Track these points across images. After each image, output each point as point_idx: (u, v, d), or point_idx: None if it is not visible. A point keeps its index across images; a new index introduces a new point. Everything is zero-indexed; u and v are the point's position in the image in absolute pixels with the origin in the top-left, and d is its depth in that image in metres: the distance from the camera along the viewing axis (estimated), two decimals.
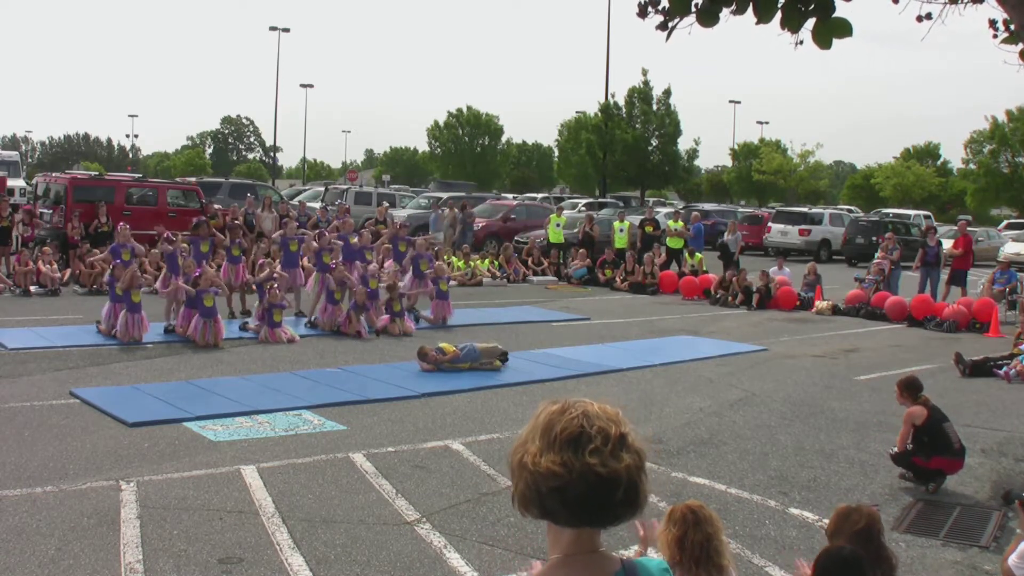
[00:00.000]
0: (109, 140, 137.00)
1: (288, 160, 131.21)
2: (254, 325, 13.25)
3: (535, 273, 23.89)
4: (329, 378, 10.59)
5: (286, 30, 63.53)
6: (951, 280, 20.37)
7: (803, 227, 35.02)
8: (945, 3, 7.39)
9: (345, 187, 37.06)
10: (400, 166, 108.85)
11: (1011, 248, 34.42)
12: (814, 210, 40.34)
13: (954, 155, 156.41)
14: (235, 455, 7.46)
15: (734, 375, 11.93)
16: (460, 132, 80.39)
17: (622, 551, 4.13)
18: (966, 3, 7.44)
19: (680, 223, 24.73)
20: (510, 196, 44.28)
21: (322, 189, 39.64)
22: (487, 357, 11.42)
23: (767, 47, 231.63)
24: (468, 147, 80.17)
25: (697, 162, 62.14)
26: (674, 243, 24.32)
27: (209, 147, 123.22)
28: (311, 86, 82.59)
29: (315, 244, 15.19)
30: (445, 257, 21.49)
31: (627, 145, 52.98)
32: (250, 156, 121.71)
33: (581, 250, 24.07)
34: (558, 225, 25.44)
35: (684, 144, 57.05)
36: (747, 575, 5.51)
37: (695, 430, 8.99)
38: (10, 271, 17.36)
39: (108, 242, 16.64)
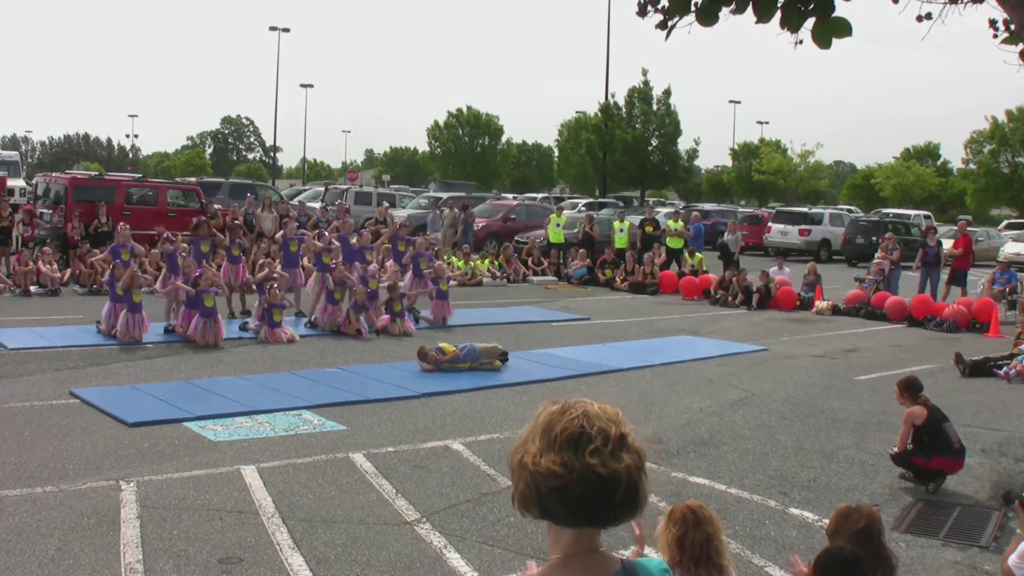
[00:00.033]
0: (109, 140, 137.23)
1: (288, 160, 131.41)
2: (254, 325, 13.25)
3: (535, 273, 23.88)
4: (329, 378, 10.59)
5: (286, 30, 63.62)
6: (951, 280, 20.37)
7: (803, 227, 35.03)
8: (945, 3, 7.39)
9: (345, 187, 37.05)
10: (400, 166, 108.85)
11: (1011, 248, 34.42)
12: (814, 210, 40.34)
13: (954, 155, 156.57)
14: (235, 455, 7.46)
15: (734, 375, 11.93)
16: (460, 132, 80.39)
17: (622, 551, 4.12)
18: (966, 3, 7.44)
19: (680, 223, 24.73)
20: (510, 196, 44.28)
21: (322, 189, 39.64)
22: (487, 357, 11.42)
23: (767, 47, 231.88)
24: (468, 147, 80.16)
25: (697, 162, 62.22)
26: (674, 243, 24.32)
27: (209, 147, 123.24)
28: (311, 86, 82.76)
29: (318, 244, 15.19)
30: (445, 257, 21.49)
31: (627, 145, 53.00)
32: (250, 156, 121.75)
33: (581, 250, 24.07)
34: (558, 225, 25.44)
35: (684, 144, 57.21)
36: (747, 575, 5.51)
37: (695, 430, 8.99)
38: (10, 271, 17.36)
39: (108, 242, 16.65)
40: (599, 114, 55.25)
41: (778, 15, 5.30)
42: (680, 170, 57.02)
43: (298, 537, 5.77)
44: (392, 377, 10.72)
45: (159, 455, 7.40)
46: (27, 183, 34.62)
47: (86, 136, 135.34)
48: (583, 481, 1.76)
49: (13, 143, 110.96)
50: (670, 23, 5.68)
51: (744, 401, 10.43)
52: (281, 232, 16.24)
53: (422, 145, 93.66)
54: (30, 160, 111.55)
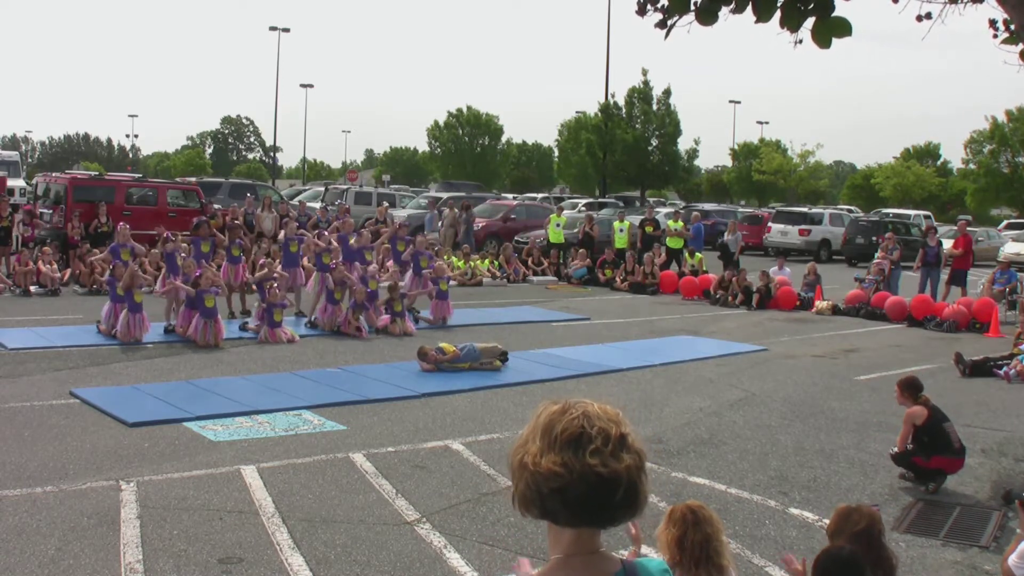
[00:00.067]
0: (109, 140, 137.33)
1: (288, 160, 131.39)
2: (254, 325, 13.25)
3: (535, 273, 23.88)
4: (329, 378, 10.59)
5: (286, 30, 63.61)
6: (951, 280, 20.37)
7: (803, 227, 35.03)
8: (945, 3, 7.40)
9: (345, 187, 37.04)
10: (400, 166, 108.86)
11: (1011, 248, 34.42)
12: (814, 210, 40.33)
13: (954, 155, 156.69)
14: (235, 455, 7.46)
15: (734, 375, 11.93)
16: (460, 132, 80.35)
17: (622, 551, 4.13)
18: (966, 3, 7.44)
19: (680, 223, 24.74)
20: (510, 196, 44.27)
21: (322, 189, 39.64)
22: (487, 357, 11.42)
23: (767, 47, 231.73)
24: (468, 147, 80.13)
25: (697, 162, 62.24)
26: (674, 243, 24.32)
27: (209, 147, 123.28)
28: (311, 86, 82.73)
29: (319, 244, 15.19)
30: (445, 257, 21.49)
31: (627, 145, 53.00)
32: (250, 156, 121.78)
33: (581, 250, 24.08)
34: (558, 225, 25.44)
35: (684, 144, 57.22)
36: (747, 575, 5.51)
37: (695, 430, 8.99)
38: (10, 271, 17.36)
39: (108, 242, 16.65)
40: (599, 114, 55.25)
41: (778, 14, 5.30)
42: (680, 170, 57.03)
43: (298, 537, 5.77)
44: (392, 377, 10.72)
45: (159, 455, 7.40)
46: (27, 183, 34.61)
47: (86, 136, 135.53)
48: (583, 481, 1.76)
49: (13, 143, 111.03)
50: (670, 22, 5.68)
51: (744, 401, 10.43)
52: (282, 232, 16.24)
53: (422, 145, 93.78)
54: (30, 160, 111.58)
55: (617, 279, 22.56)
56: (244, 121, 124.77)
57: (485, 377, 10.97)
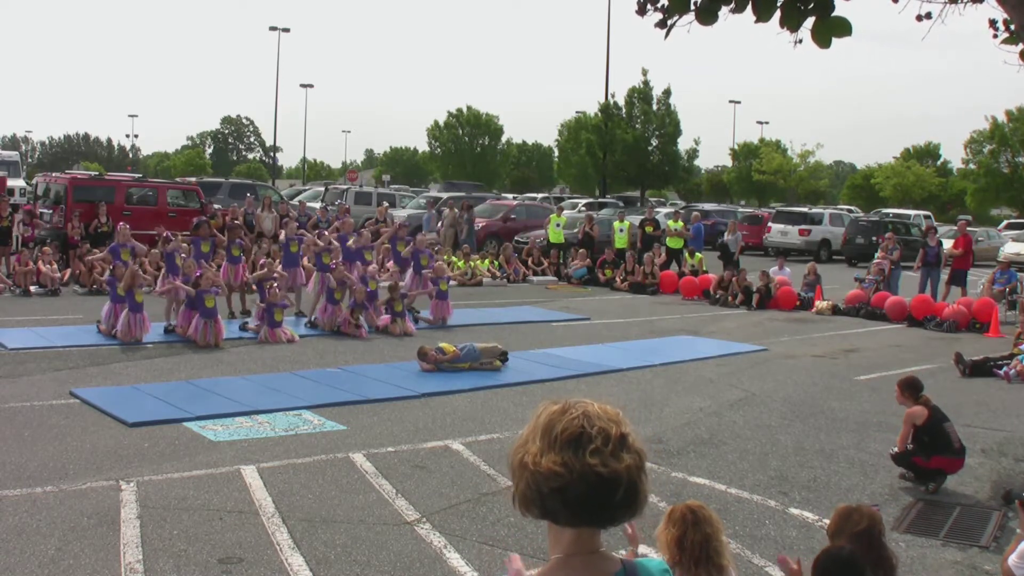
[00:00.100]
0: (109, 140, 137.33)
1: (288, 160, 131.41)
2: (254, 325, 13.25)
3: (535, 273, 23.89)
4: (329, 378, 10.59)
5: (286, 30, 63.61)
6: (951, 280, 20.37)
7: (803, 227, 35.03)
8: (945, 3, 7.40)
9: (345, 187, 37.06)
10: (400, 166, 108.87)
11: (1011, 248, 34.42)
12: (814, 210, 40.34)
13: (954, 155, 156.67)
14: (235, 455, 7.46)
15: (734, 375, 11.93)
16: (460, 132, 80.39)
17: (621, 551, 4.13)
18: (966, 3, 7.44)
19: (680, 223, 24.74)
20: (510, 196, 44.28)
21: (322, 189, 39.64)
22: (487, 357, 11.42)
23: (767, 47, 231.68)
24: (468, 147, 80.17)
25: (697, 162, 62.22)
26: (674, 243, 24.33)
27: (209, 147, 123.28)
28: (311, 86, 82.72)
29: (319, 243, 15.19)
30: (445, 257, 21.49)
31: (627, 145, 53.00)
32: (250, 156, 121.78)
33: (581, 250, 24.08)
34: (558, 225, 25.44)
35: (684, 144, 57.20)
36: (747, 575, 5.51)
37: (695, 430, 8.99)
38: (10, 271, 17.36)
39: (108, 242, 16.65)
40: (599, 114, 55.24)
41: (778, 14, 5.30)
42: (680, 170, 57.02)
43: (298, 537, 5.77)
44: (392, 377, 10.72)
45: (159, 455, 7.40)
46: (27, 183, 34.61)
47: (86, 136, 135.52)
48: (583, 481, 1.76)
49: (13, 143, 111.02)
50: (669, 22, 5.68)
51: (744, 401, 10.43)
52: (282, 232, 16.25)
53: (422, 145, 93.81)
54: (30, 160, 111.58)
55: (617, 279, 22.56)
56: (244, 121, 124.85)
57: (485, 377, 10.97)
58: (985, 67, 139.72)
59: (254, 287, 14.70)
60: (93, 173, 30.18)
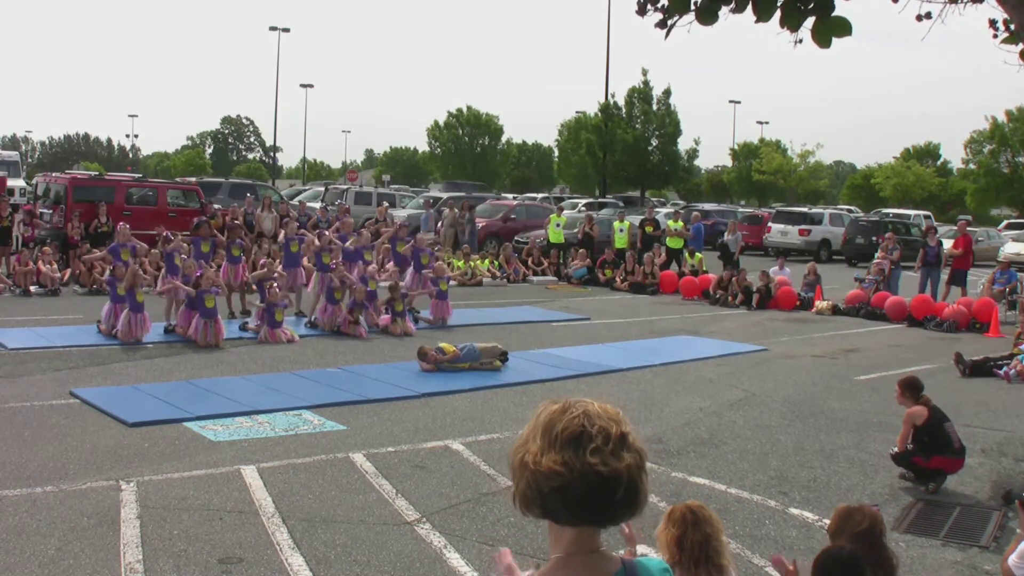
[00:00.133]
0: (109, 140, 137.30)
1: (288, 160, 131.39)
2: (254, 325, 13.25)
3: (535, 273, 23.88)
4: (329, 378, 10.59)
5: (286, 30, 63.61)
6: (951, 280, 20.37)
7: (803, 227, 35.03)
8: (945, 3, 7.39)
9: (345, 187, 37.05)
10: (400, 166, 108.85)
11: (1011, 248, 34.42)
12: (814, 210, 40.33)
13: (954, 155, 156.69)
14: (235, 455, 7.46)
15: (734, 375, 11.93)
16: (460, 132, 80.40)
17: (621, 551, 4.13)
18: (966, 3, 7.44)
19: (680, 223, 24.74)
20: (510, 196, 44.28)
21: (322, 189, 39.64)
22: (487, 357, 11.42)
23: (767, 47, 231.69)
24: (468, 147, 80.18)
25: (697, 162, 62.22)
26: (674, 243, 24.33)
27: (209, 147, 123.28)
28: (311, 86, 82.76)
29: (317, 243, 15.19)
30: (445, 257, 21.48)
31: (627, 145, 53.00)
32: (250, 156, 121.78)
33: (581, 250, 24.08)
34: (558, 225, 25.44)
35: (684, 144, 57.21)
36: (747, 575, 5.51)
37: (695, 430, 8.99)
38: (10, 271, 17.36)
39: (108, 242, 16.65)
40: (599, 114, 55.24)
41: (778, 14, 5.30)
42: (680, 170, 57.03)
43: (298, 537, 5.77)
44: (392, 377, 10.72)
45: (159, 455, 7.40)
46: (27, 183, 34.62)
47: (86, 136, 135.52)
48: (584, 480, 1.76)
49: (13, 143, 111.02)
50: (670, 22, 5.68)
51: (744, 401, 10.43)
52: (282, 232, 16.25)
53: (422, 145, 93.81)
54: (30, 160, 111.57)
55: (617, 279, 22.56)
56: (244, 121, 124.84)
57: (485, 377, 10.97)
58: (985, 67, 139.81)
59: (254, 287, 14.70)
60: (93, 173, 30.18)
